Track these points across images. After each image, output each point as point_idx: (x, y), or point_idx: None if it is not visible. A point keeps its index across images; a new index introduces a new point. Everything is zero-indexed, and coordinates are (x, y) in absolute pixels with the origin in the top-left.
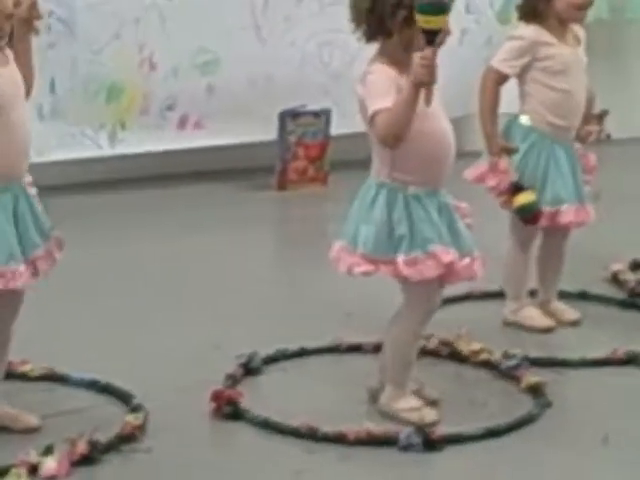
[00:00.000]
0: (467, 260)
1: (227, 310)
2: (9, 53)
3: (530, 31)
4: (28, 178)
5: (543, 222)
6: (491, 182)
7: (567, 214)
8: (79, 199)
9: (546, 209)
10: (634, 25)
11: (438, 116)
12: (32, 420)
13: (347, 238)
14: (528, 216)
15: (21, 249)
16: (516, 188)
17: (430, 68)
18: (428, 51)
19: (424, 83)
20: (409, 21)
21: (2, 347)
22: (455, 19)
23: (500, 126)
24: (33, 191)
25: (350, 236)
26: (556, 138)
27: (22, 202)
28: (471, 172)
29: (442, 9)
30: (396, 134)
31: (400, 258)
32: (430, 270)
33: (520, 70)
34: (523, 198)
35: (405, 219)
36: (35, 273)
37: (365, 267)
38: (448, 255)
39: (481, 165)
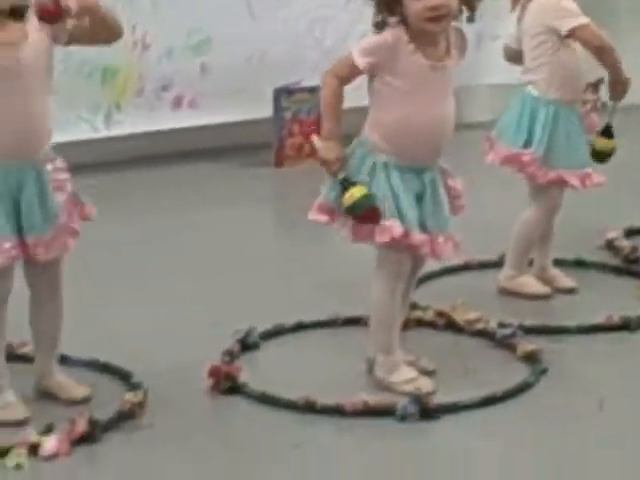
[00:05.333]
0: (441, 238)
1: (224, 287)
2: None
3: None
4: (57, 163)
5: (576, 182)
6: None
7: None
8: (75, 181)
9: (575, 173)
10: None
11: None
12: (79, 391)
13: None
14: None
15: (15, 227)
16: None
17: None
18: None
19: None
20: None
21: None
22: None
23: None
24: (62, 175)
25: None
26: None
27: (30, 182)
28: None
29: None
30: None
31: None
32: (380, 237)
33: None
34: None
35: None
36: (27, 254)
37: (319, 216)
38: (397, 229)
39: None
